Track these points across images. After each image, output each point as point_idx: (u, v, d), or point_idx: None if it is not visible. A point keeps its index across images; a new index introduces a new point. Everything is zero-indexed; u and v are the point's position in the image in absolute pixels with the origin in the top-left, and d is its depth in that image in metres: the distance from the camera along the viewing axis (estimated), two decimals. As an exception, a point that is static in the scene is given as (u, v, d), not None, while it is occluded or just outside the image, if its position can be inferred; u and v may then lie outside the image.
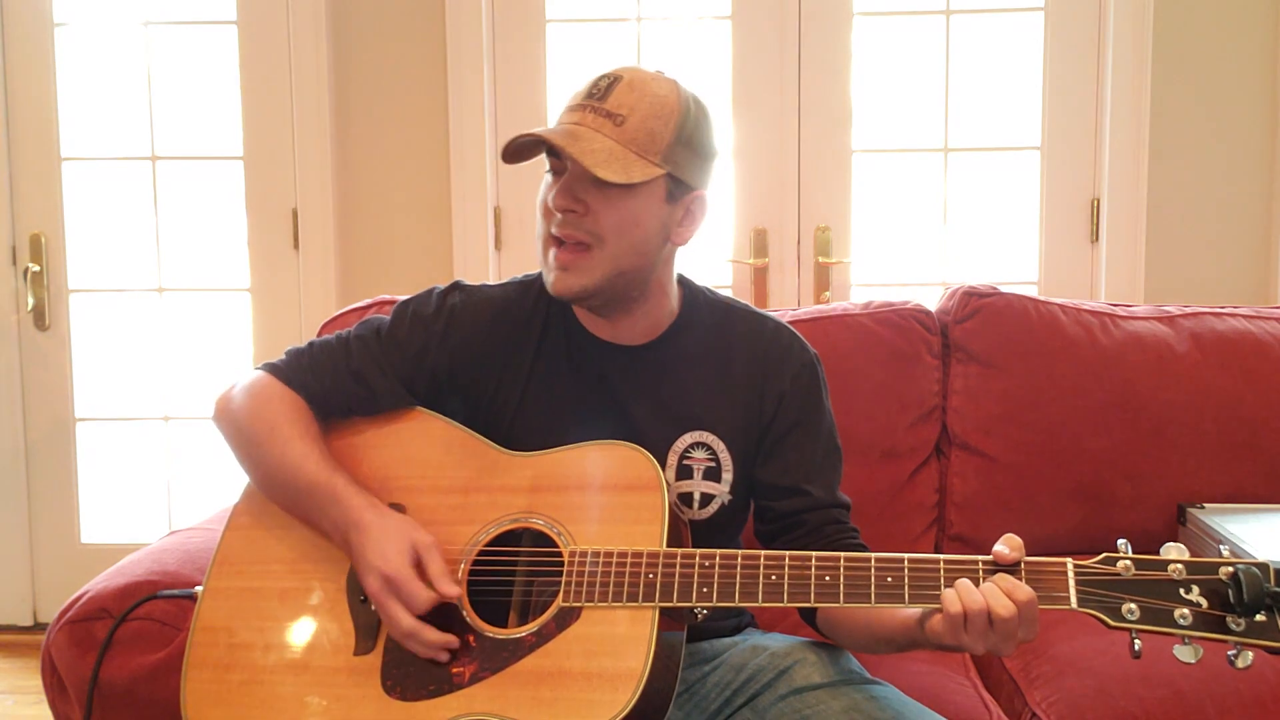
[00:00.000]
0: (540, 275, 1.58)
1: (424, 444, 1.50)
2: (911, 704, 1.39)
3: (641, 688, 1.25)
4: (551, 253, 1.42)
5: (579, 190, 1.39)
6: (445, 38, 3.07)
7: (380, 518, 1.38)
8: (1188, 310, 2.21)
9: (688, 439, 1.50)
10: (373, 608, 1.39)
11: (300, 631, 1.41)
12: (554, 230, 1.42)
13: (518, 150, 1.42)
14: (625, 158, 1.36)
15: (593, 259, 1.41)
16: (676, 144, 1.40)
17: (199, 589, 1.48)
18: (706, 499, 1.50)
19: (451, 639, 1.33)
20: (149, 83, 3.20)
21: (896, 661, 1.66)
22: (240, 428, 1.51)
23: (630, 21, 3.11)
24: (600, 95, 1.39)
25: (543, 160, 1.47)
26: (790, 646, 1.47)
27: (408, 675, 1.34)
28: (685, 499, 1.50)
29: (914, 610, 1.27)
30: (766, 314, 1.60)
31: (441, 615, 1.35)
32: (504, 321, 1.54)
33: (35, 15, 3.17)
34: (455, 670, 1.33)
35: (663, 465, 1.42)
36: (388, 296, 2.10)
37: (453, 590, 1.35)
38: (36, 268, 3.22)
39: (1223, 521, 1.96)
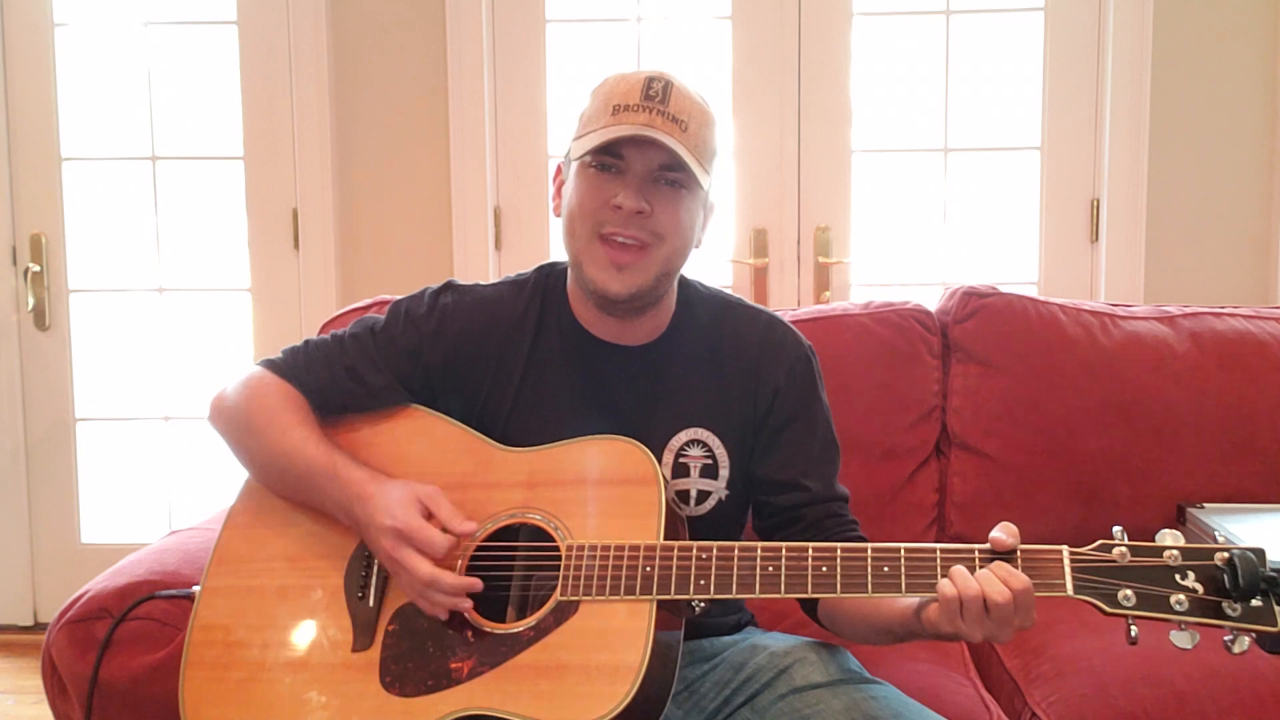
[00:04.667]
0: (533, 275, 1.59)
1: (420, 441, 1.50)
2: (911, 704, 1.39)
3: (639, 681, 1.25)
4: (602, 252, 1.42)
5: (645, 191, 1.40)
6: (445, 38, 3.08)
7: (381, 485, 1.39)
8: (1188, 310, 2.21)
9: (683, 436, 1.50)
10: (370, 603, 1.39)
11: (298, 629, 1.41)
12: (613, 232, 1.41)
13: (607, 147, 1.40)
14: (695, 163, 1.40)
15: (649, 258, 1.42)
16: (715, 152, 1.46)
17: (197, 589, 1.48)
18: (704, 495, 1.51)
19: (475, 582, 1.34)
20: (149, 83, 3.21)
21: (897, 661, 1.66)
22: (238, 420, 1.51)
23: (630, 21, 3.11)
24: (660, 99, 1.40)
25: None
26: (790, 646, 1.47)
27: (406, 671, 1.34)
28: (682, 496, 1.50)
29: (912, 600, 1.27)
30: (760, 308, 1.61)
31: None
32: (497, 320, 1.55)
33: (35, 15, 3.17)
34: (454, 665, 1.33)
35: (659, 463, 1.42)
36: (388, 296, 2.09)
37: (468, 527, 1.36)
38: (37, 268, 3.22)
39: (1222, 521, 1.96)
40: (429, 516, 1.36)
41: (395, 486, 1.39)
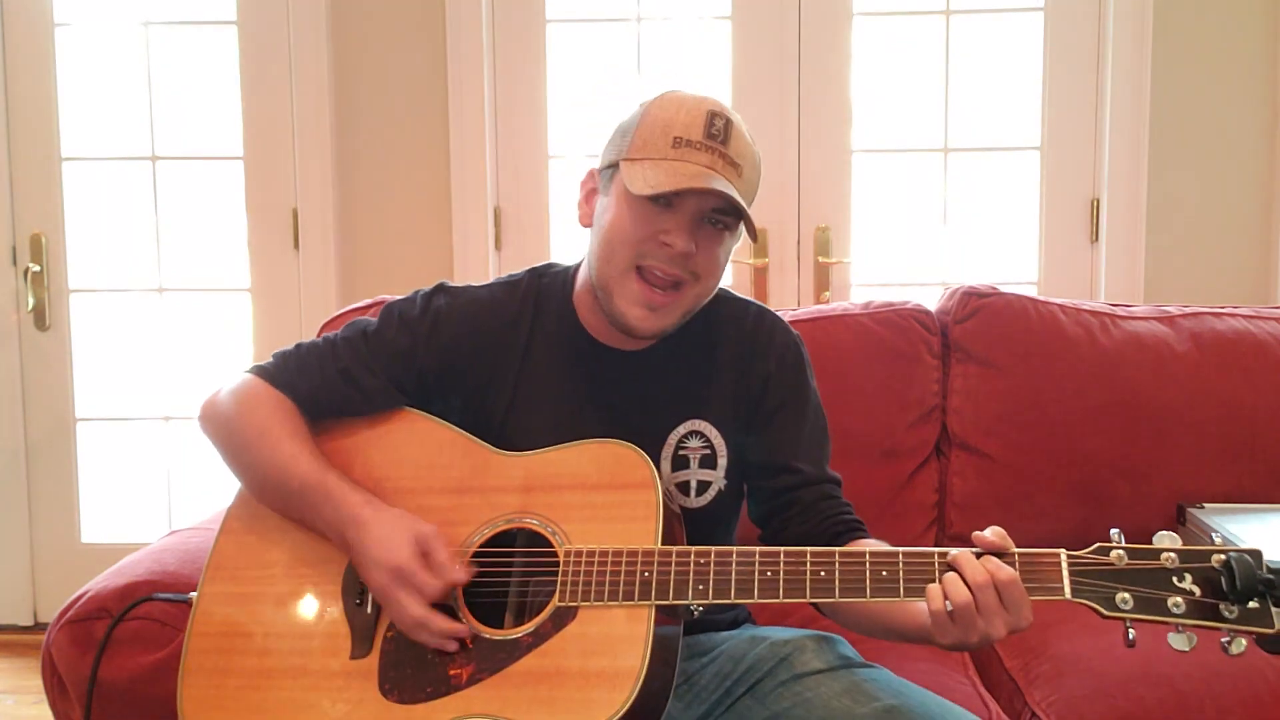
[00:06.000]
0: (525, 276, 1.58)
1: (415, 445, 1.49)
2: (909, 685, 1.40)
3: (639, 686, 1.25)
4: (637, 289, 1.41)
5: (694, 231, 1.40)
6: (445, 38, 3.07)
7: (377, 512, 1.38)
8: (1187, 310, 2.21)
9: (682, 429, 1.50)
10: (368, 610, 1.39)
11: (296, 636, 1.40)
12: (653, 266, 1.40)
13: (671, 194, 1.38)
14: (746, 210, 1.39)
15: (682, 297, 1.42)
16: (755, 196, 1.45)
17: (193, 595, 1.47)
18: (704, 486, 1.51)
19: (461, 628, 1.33)
20: (149, 83, 3.21)
21: (896, 660, 1.65)
22: (228, 431, 1.50)
23: (630, 21, 3.11)
24: (721, 139, 1.38)
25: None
26: (790, 636, 1.48)
27: (405, 678, 1.34)
28: (682, 488, 1.50)
29: (923, 605, 1.27)
30: (748, 299, 1.61)
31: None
32: (490, 322, 1.54)
33: (35, 15, 3.17)
34: (453, 672, 1.32)
35: (658, 457, 1.43)
36: (387, 297, 2.08)
37: (462, 576, 1.35)
38: (37, 268, 3.22)
39: (1222, 521, 1.96)
40: (423, 555, 1.35)
41: (391, 518, 1.37)
